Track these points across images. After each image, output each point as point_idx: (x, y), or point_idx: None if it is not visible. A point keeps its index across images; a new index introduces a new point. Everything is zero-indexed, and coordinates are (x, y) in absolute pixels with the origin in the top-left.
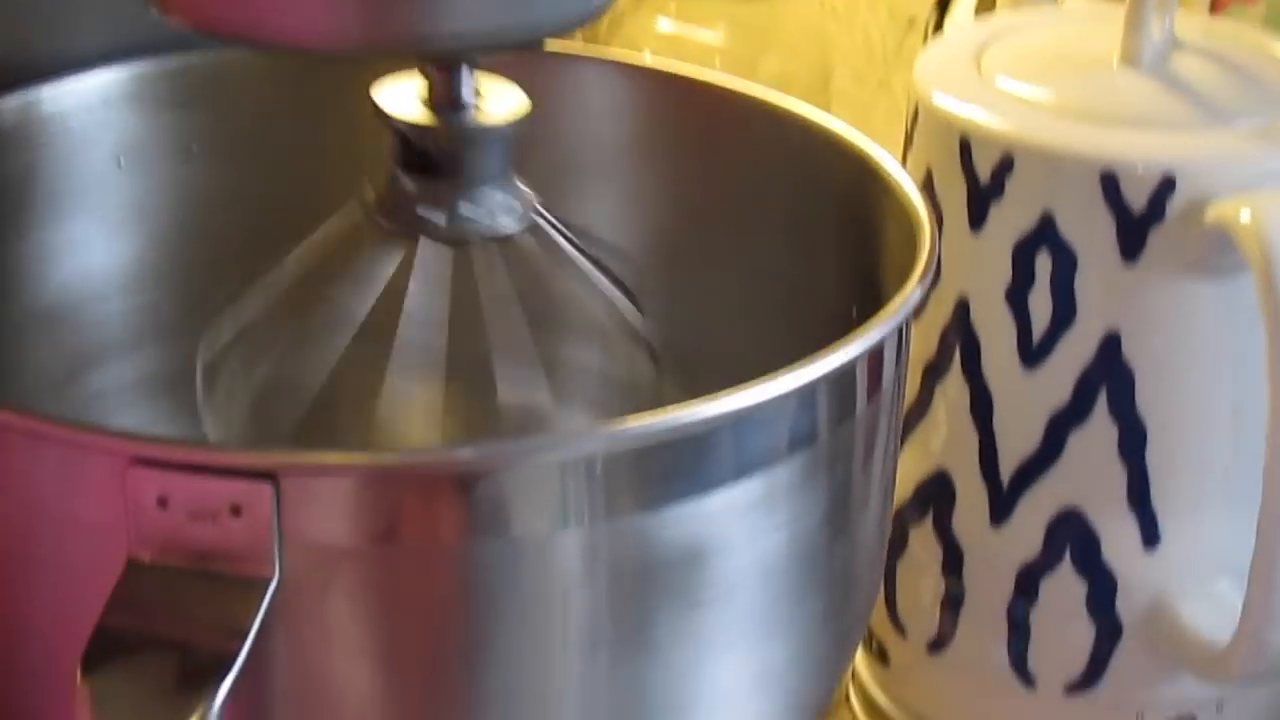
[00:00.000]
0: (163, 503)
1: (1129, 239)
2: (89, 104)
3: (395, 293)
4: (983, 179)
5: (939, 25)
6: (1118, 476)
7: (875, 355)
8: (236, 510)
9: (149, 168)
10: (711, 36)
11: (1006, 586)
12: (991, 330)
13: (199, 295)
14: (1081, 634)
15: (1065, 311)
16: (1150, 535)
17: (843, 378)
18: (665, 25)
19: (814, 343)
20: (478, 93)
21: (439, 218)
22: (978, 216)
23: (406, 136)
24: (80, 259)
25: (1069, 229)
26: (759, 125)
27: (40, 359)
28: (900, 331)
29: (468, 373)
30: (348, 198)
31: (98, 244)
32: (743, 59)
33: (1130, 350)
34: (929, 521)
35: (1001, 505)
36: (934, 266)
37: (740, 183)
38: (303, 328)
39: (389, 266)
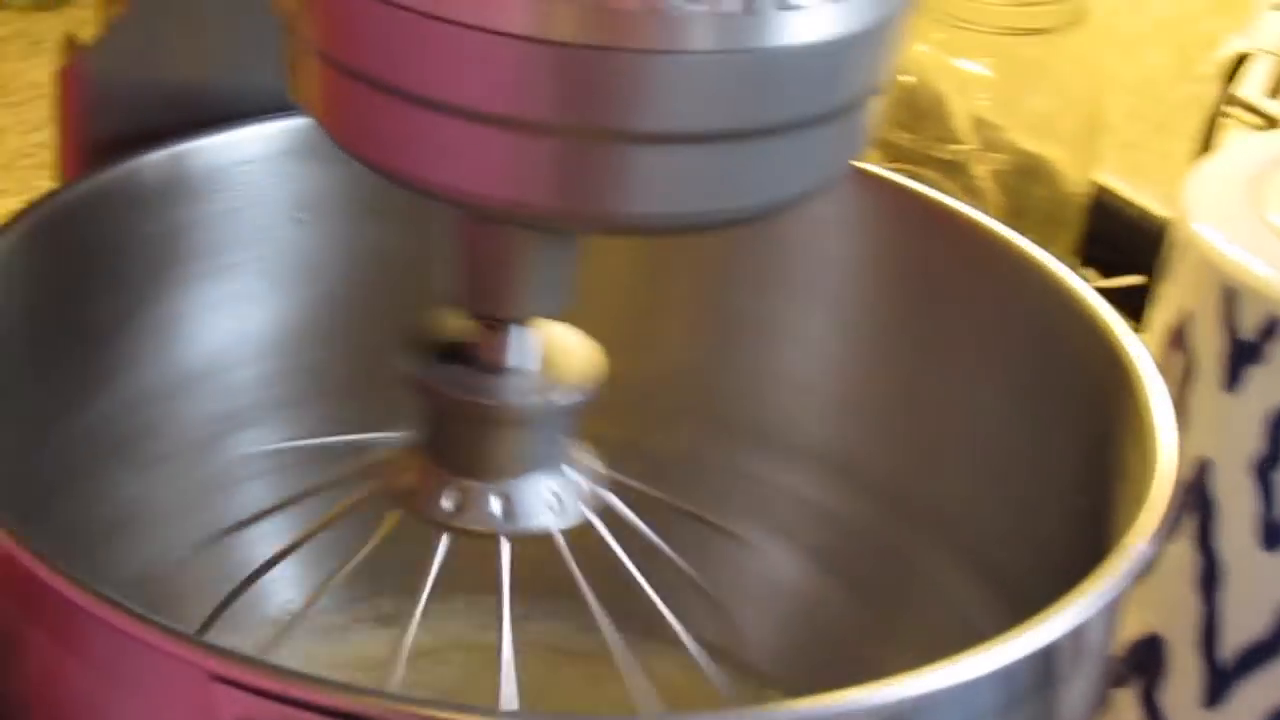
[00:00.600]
0: None
1: None
2: (268, 154)
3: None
4: (1245, 336)
5: (1228, 96)
6: None
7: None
8: None
9: (327, 223)
10: (977, 69)
11: None
12: (1232, 500)
13: (365, 356)
14: None
15: None
16: None
17: (1048, 651)
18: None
19: (1035, 517)
20: (536, 355)
21: (467, 514)
22: (1234, 376)
23: (439, 406)
24: (241, 316)
25: None
26: (1000, 267)
27: (187, 418)
28: (1117, 600)
29: None
30: None
31: (263, 301)
32: (1009, 94)
33: None
34: (1136, 687)
35: (1218, 687)
36: (1167, 526)
37: (971, 324)
38: None
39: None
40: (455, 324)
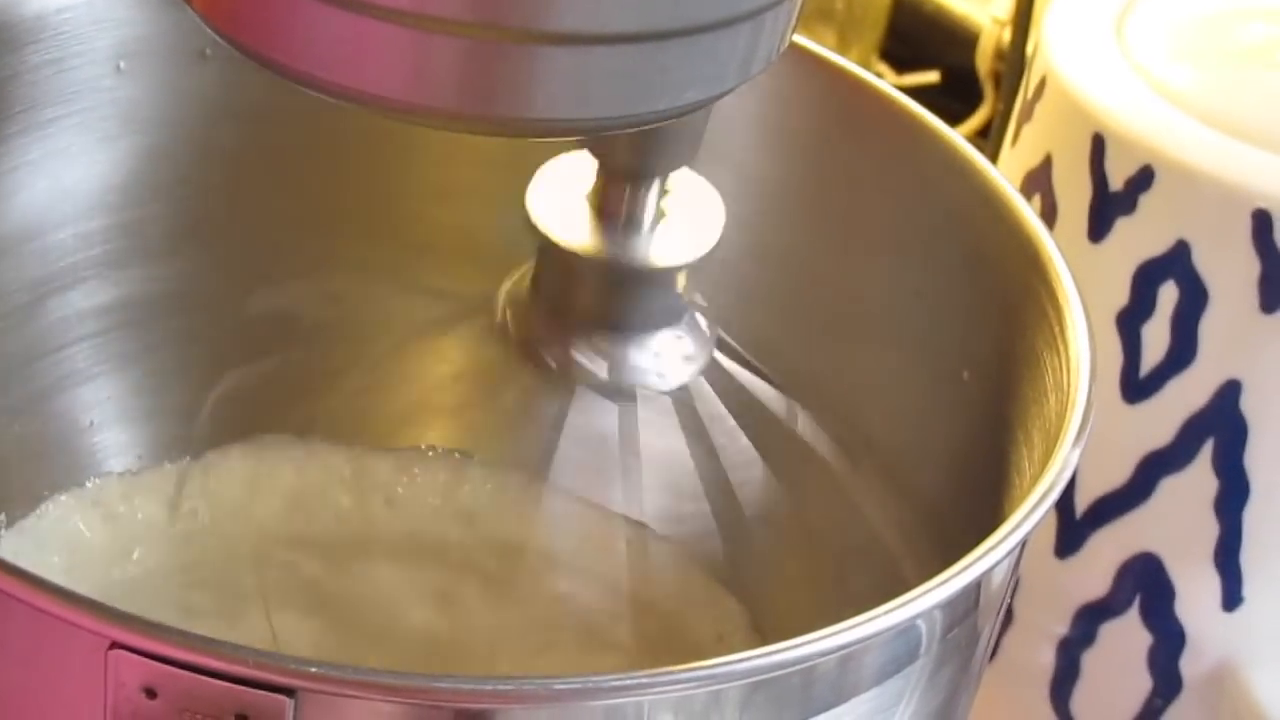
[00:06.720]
0: (150, 693)
1: (1272, 288)
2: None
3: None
4: (1114, 186)
5: None
6: (1208, 531)
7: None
8: (244, 719)
9: (151, 71)
10: None
11: (1062, 622)
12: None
13: (194, 214)
14: (1136, 686)
15: (1183, 350)
16: (1232, 596)
17: (956, 598)
18: None
19: (925, 397)
20: (660, 208)
21: (599, 367)
22: (1100, 227)
23: (561, 260)
24: (61, 173)
25: (1205, 263)
26: (903, 140)
27: (3, 284)
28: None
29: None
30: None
31: (82, 156)
32: None
33: (1249, 403)
34: None
35: (1071, 537)
36: (1087, 433)
37: (869, 194)
38: None
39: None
40: (581, 172)
